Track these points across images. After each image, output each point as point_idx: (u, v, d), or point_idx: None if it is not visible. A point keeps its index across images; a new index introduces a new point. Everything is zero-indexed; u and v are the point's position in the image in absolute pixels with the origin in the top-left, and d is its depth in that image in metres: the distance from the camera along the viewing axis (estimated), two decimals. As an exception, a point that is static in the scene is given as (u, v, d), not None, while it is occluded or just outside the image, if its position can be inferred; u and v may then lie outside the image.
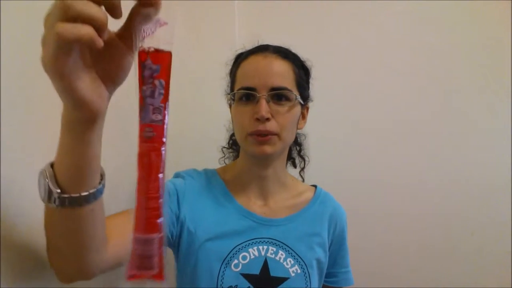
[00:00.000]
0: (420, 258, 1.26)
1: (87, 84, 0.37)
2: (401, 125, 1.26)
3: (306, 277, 0.73)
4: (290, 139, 0.75)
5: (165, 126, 0.43)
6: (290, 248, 0.73)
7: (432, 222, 1.25)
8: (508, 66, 1.22)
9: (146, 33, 0.43)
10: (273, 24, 1.24)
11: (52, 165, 0.42)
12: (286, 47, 0.76)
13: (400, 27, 1.25)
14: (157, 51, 0.42)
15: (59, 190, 0.40)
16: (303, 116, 0.80)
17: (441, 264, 1.26)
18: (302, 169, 0.92)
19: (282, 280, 0.71)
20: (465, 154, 1.25)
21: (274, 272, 0.71)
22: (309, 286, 0.73)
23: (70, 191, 0.41)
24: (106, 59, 0.40)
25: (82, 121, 0.39)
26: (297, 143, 0.89)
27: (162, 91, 0.42)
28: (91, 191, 0.42)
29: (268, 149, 0.70)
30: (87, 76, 0.37)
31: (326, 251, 0.79)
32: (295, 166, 0.90)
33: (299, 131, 0.82)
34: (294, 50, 0.77)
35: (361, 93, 1.26)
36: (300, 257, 0.73)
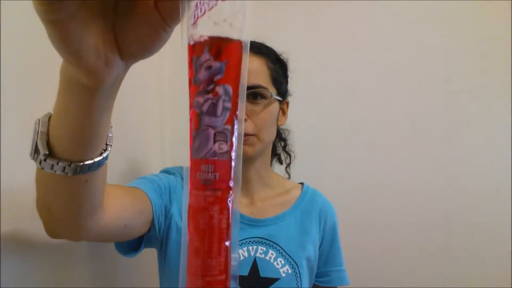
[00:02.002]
0: (420, 258, 1.25)
1: (91, 43, 0.25)
2: (399, 125, 1.25)
3: (297, 277, 0.71)
4: (269, 138, 0.72)
5: (233, 162, 0.26)
6: (281, 248, 0.71)
7: (432, 222, 1.24)
8: (508, 66, 1.21)
9: (200, 9, 0.26)
10: (272, 24, 1.19)
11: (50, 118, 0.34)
12: (259, 42, 0.72)
13: (399, 27, 1.24)
14: (219, 40, 0.26)
15: (47, 152, 0.33)
16: (283, 112, 0.77)
17: (441, 264, 1.25)
18: (288, 165, 0.89)
19: (273, 281, 0.68)
20: (465, 153, 1.25)
21: (264, 273, 0.68)
22: (300, 287, 0.71)
23: (60, 155, 0.33)
24: (131, 21, 0.27)
25: (79, 82, 0.28)
26: (281, 139, 0.86)
27: (229, 105, 0.26)
28: (87, 162, 0.34)
29: (247, 149, 0.67)
30: (95, 32, 0.25)
31: (316, 249, 0.76)
32: (281, 163, 0.88)
33: (282, 126, 0.79)
34: (268, 44, 0.74)
35: (361, 94, 1.25)
36: (291, 257, 0.71)
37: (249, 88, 0.66)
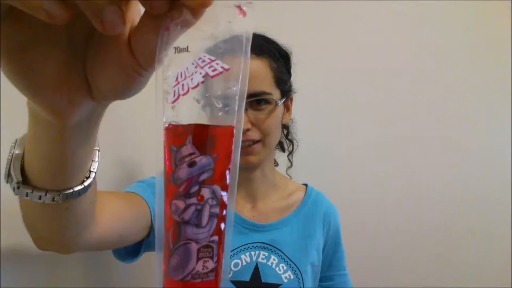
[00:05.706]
0: (420, 258, 1.25)
1: (50, 78, 0.22)
2: (400, 125, 1.23)
3: (299, 283, 0.70)
4: (275, 142, 0.71)
5: (219, 279, 0.21)
6: (283, 253, 0.70)
7: (433, 222, 1.24)
8: (508, 66, 1.22)
9: (182, 86, 0.20)
10: (273, 24, 1.14)
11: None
12: (260, 35, 0.69)
13: (400, 27, 1.23)
14: (207, 128, 0.20)
15: (20, 179, 0.30)
16: (287, 108, 0.74)
17: (441, 264, 1.25)
18: (290, 152, 0.86)
19: (274, 286, 0.67)
20: (465, 153, 1.24)
21: (265, 278, 0.67)
22: None
23: (35, 183, 0.30)
24: (102, 60, 0.23)
25: (43, 117, 0.25)
26: (284, 127, 0.83)
27: (217, 210, 0.20)
28: (65, 192, 0.30)
29: (252, 159, 0.66)
30: (55, 66, 0.22)
31: (320, 254, 0.75)
32: (283, 150, 0.85)
33: None
34: (269, 36, 0.69)
35: (361, 94, 1.23)
36: (293, 263, 0.70)
37: (252, 95, 0.62)
